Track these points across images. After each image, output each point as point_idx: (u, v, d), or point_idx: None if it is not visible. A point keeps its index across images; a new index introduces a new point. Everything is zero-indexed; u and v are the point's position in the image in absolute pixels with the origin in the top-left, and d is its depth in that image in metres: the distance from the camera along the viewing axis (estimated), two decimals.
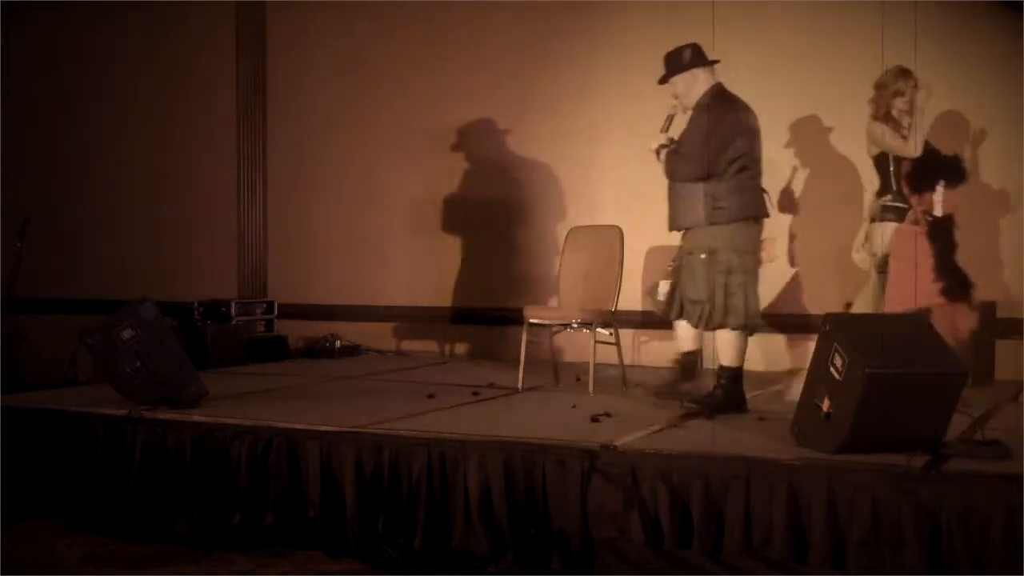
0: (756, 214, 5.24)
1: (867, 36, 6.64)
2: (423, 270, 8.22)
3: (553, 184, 7.77)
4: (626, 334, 6.74)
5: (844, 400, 4.07)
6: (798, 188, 7.03)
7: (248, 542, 4.80)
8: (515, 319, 6.52)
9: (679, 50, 5.32)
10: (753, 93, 5.41)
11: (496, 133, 7.92)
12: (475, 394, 5.96)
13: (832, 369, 4.13)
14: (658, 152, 5.36)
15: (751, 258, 5.22)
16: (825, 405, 4.15)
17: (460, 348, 8.14)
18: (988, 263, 6.59)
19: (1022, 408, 5.27)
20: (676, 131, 5.42)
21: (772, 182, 5.68)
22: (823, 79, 7.00)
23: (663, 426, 4.91)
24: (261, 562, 4.63)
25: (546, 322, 6.34)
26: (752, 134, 5.26)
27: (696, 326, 5.25)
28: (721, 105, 5.23)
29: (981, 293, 6.38)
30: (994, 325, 6.34)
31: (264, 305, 8.38)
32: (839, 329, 4.18)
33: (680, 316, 5.30)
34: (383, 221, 8.32)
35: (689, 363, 5.42)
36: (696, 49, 5.31)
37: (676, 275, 5.31)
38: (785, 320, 6.93)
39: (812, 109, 7.05)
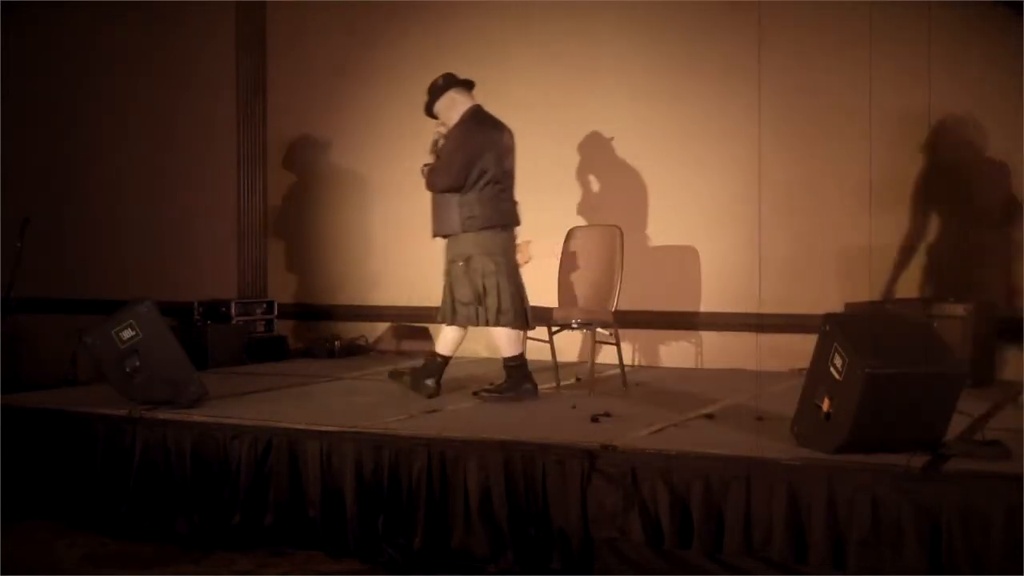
0: (504, 223, 5.77)
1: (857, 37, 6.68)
2: (423, 270, 8.21)
3: (554, 184, 7.77)
4: (626, 334, 6.75)
5: (844, 400, 4.07)
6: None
7: (248, 542, 4.80)
8: None
9: (435, 79, 5.85)
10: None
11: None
12: (475, 394, 5.96)
13: (832, 369, 4.13)
14: (422, 170, 5.82)
15: (504, 261, 5.72)
16: (825, 405, 4.15)
17: (460, 348, 8.12)
18: (989, 263, 6.61)
19: (1022, 408, 5.27)
20: None
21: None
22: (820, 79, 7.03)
23: (663, 426, 4.92)
24: (261, 562, 4.63)
25: (546, 322, 6.33)
26: (502, 150, 5.77)
27: (474, 324, 5.75)
28: (473, 123, 5.74)
29: (982, 293, 6.40)
30: (994, 325, 6.34)
31: (264, 305, 8.38)
32: (839, 329, 4.18)
33: (454, 321, 5.76)
34: (382, 220, 8.32)
35: (436, 365, 5.85)
36: (448, 75, 5.84)
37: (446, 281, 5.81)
38: (785, 320, 6.93)
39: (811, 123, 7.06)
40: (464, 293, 5.69)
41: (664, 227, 7.47)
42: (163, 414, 5.22)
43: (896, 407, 4.03)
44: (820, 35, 7.04)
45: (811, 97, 7.04)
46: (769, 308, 7.09)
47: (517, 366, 5.81)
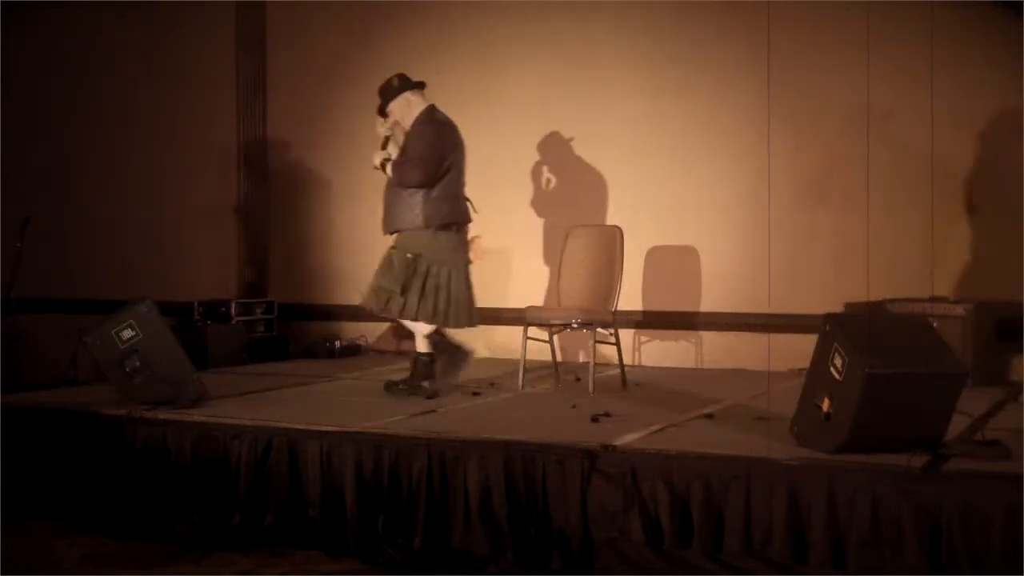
0: (461, 220, 5.93)
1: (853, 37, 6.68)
2: None
3: (553, 184, 7.78)
4: (626, 334, 6.75)
5: (844, 400, 4.07)
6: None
7: (248, 542, 4.80)
8: (515, 319, 6.52)
9: (388, 80, 5.99)
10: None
11: (491, 136, 7.92)
12: (475, 394, 5.96)
13: (832, 369, 4.13)
14: (383, 166, 5.91)
15: (455, 261, 5.87)
16: (825, 405, 4.15)
17: None
18: (988, 263, 6.61)
19: (1022, 408, 5.26)
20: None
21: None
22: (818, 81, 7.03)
23: (663, 426, 4.92)
24: (261, 562, 4.63)
25: (546, 322, 6.34)
26: (461, 149, 5.98)
27: (377, 311, 5.87)
28: (438, 122, 5.92)
29: (981, 293, 6.40)
30: (994, 325, 6.34)
31: (264, 305, 8.37)
32: (839, 329, 4.18)
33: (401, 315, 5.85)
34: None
35: (425, 364, 5.96)
36: (403, 76, 5.98)
37: None
38: (785, 320, 6.93)
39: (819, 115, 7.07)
40: (389, 281, 5.77)
41: (664, 227, 7.46)
42: (163, 414, 5.22)
43: (896, 407, 4.03)
44: (820, 35, 7.04)
45: (810, 97, 7.04)
46: (769, 308, 7.09)
47: (431, 362, 5.93)
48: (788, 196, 7.05)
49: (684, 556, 4.13)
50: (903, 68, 6.66)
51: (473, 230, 7.92)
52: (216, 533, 4.87)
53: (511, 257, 7.94)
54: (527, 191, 7.84)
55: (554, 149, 7.76)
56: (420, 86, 6.00)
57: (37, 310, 8.71)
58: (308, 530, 4.77)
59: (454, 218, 5.87)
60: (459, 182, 5.95)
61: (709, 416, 5.21)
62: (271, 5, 8.70)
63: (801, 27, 7.07)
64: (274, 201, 8.77)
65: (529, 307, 6.38)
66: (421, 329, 5.92)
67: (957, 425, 4.25)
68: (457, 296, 5.86)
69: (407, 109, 5.93)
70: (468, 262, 5.99)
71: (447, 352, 5.91)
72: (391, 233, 5.96)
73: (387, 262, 5.84)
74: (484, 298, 7.92)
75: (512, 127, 7.84)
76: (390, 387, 5.99)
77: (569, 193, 7.70)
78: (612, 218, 6.82)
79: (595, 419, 5.04)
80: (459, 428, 4.84)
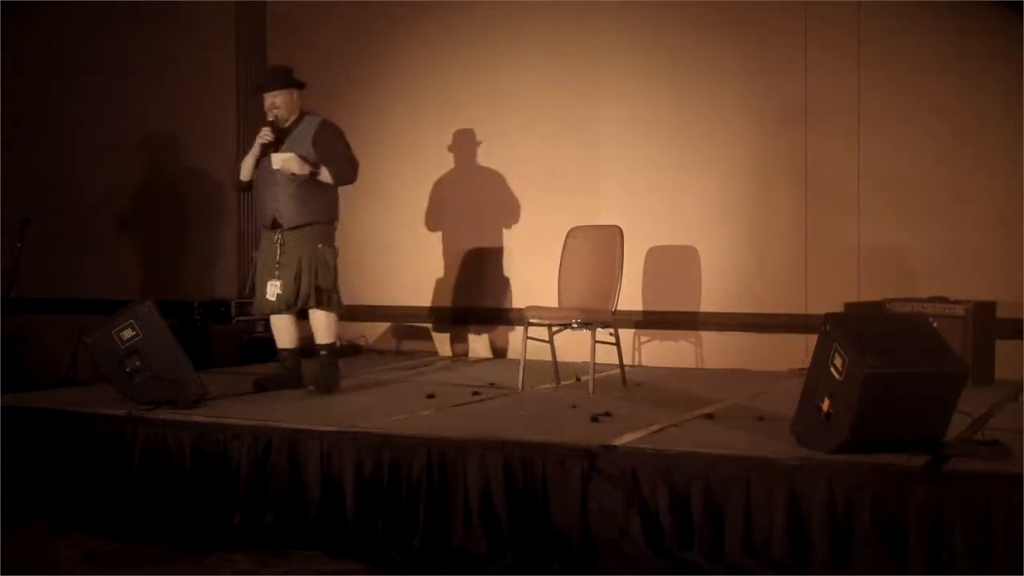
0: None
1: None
2: (423, 270, 8.21)
3: (554, 184, 7.78)
4: (626, 334, 6.74)
5: (844, 400, 4.07)
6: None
7: (248, 542, 4.80)
8: (515, 319, 6.52)
9: (284, 68, 6.19)
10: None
11: (492, 136, 7.94)
12: (475, 394, 5.96)
13: (832, 369, 4.13)
14: (288, 165, 5.87)
15: (335, 252, 6.07)
16: (825, 405, 4.15)
17: (460, 348, 8.14)
18: (988, 263, 6.61)
19: (1022, 408, 5.27)
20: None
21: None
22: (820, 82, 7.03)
23: (663, 426, 4.92)
24: (261, 562, 4.63)
25: (546, 322, 6.34)
26: None
27: (328, 310, 5.98)
28: (333, 123, 6.09)
29: (981, 293, 6.40)
30: (994, 325, 6.34)
31: None
32: (839, 329, 4.18)
33: (291, 309, 5.99)
34: (382, 221, 8.32)
35: (295, 359, 6.15)
36: (294, 73, 6.13)
37: (288, 272, 5.92)
38: (785, 320, 6.94)
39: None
40: (329, 279, 5.97)
41: (664, 227, 7.47)
42: (163, 414, 5.22)
43: (896, 407, 4.03)
44: (815, 36, 7.04)
45: (810, 99, 7.04)
46: (769, 308, 7.10)
47: (335, 354, 6.13)
48: (788, 197, 7.06)
49: (684, 556, 4.13)
50: (900, 69, 6.67)
51: (473, 228, 8.02)
52: (216, 533, 4.87)
53: (511, 257, 7.95)
54: (527, 191, 7.84)
55: (553, 149, 7.77)
56: (304, 86, 6.15)
57: (37, 310, 8.70)
58: (308, 530, 4.77)
59: (337, 215, 6.14)
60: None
61: (709, 416, 5.21)
62: (271, 5, 8.70)
63: (800, 28, 7.07)
64: None
65: (529, 307, 6.38)
66: (334, 321, 6.06)
67: (957, 425, 4.25)
68: (337, 285, 6.07)
69: (290, 103, 6.05)
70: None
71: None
72: (293, 228, 5.93)
73: (321, 261, 5.94)
74: (484, 298, 8.01)
75: (511, 127, 7.84)
76: (261, 384, 6.04)
77: (569, 193, 7.70)
78: (612, 218, 6.81)
79: (595, 419, 5.04)
80: (459, 428, 4.85)
